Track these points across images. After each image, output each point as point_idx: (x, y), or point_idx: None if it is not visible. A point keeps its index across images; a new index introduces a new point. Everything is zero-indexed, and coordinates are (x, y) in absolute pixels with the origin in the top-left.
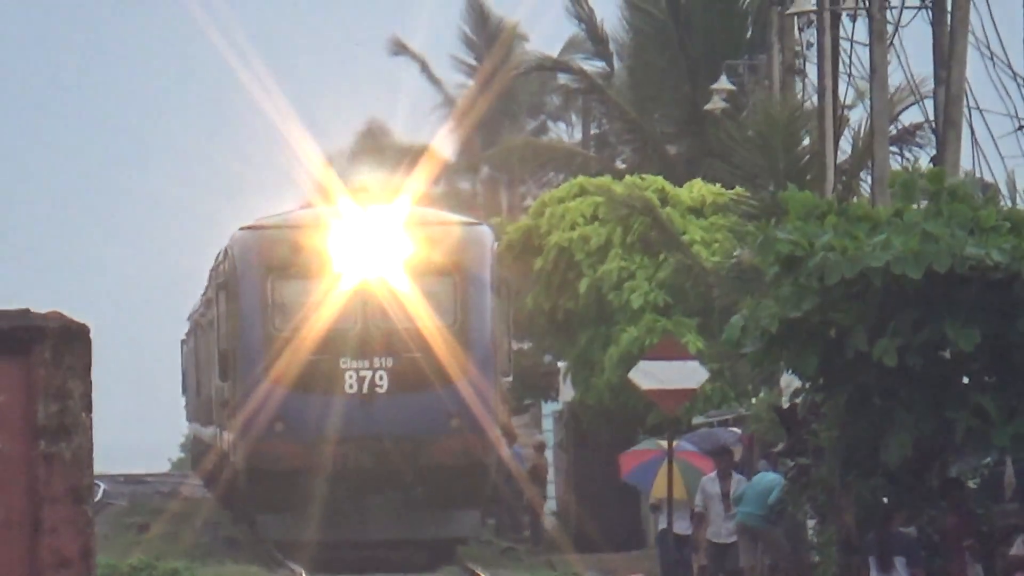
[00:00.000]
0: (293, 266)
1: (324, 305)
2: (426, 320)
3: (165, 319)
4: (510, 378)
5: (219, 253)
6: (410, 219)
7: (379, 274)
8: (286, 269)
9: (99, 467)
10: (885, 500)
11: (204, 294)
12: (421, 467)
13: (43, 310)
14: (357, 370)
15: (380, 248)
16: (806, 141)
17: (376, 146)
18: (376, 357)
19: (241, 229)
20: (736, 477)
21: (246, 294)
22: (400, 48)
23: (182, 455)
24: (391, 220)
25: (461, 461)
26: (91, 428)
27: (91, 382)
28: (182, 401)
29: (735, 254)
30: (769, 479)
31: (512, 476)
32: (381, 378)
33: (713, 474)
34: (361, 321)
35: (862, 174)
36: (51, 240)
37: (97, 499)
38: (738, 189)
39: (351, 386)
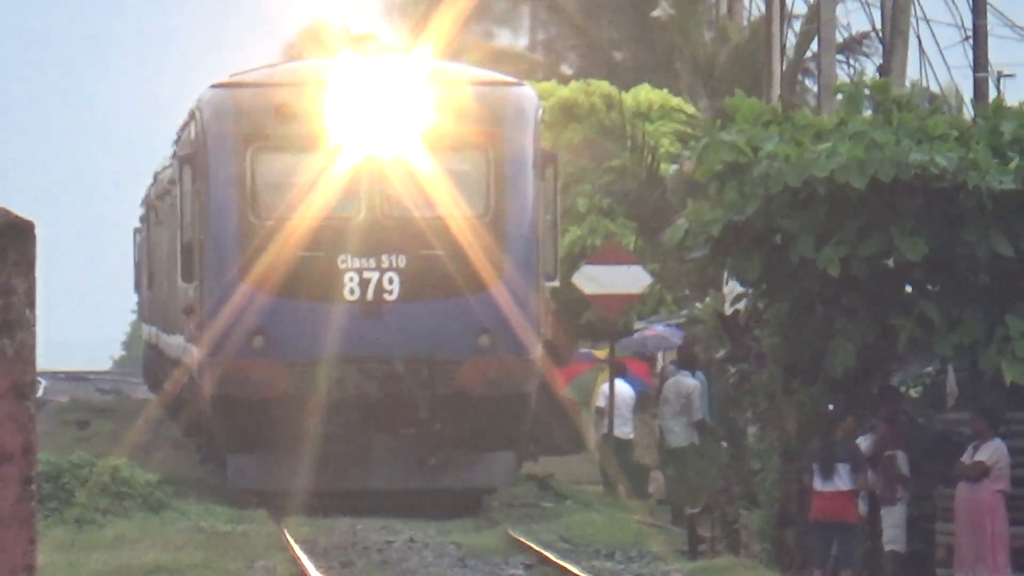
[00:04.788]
0: (279, 135)
1: (318, 186)
2: (450, 207)
3: (116, 203)
4: (556, 282)
5: (185, 119)
6: (431, 76)
7: (390, 147)
8: (270, 139)
9: (40, 364)
10: (831, 407)
11: (159, 173)
12: (441, 397)
13: None
14: (360, 271)
15: (392, 113)
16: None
17: (320, 47)
18: (385, 255)
19: (212, 87)
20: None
21: (218, 171)
22: None
23: (124, 353)
24: (406, 77)
25: (493, 390)
26: (35, 325)
27: (35, 278)
28: (134, 298)
29: (676, 164)
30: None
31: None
32: (391, 282)
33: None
34: (366, 208)
35: (808, 82)
36: None
37: (38, 396)
38: (681, 101)
39: (352, 292)
